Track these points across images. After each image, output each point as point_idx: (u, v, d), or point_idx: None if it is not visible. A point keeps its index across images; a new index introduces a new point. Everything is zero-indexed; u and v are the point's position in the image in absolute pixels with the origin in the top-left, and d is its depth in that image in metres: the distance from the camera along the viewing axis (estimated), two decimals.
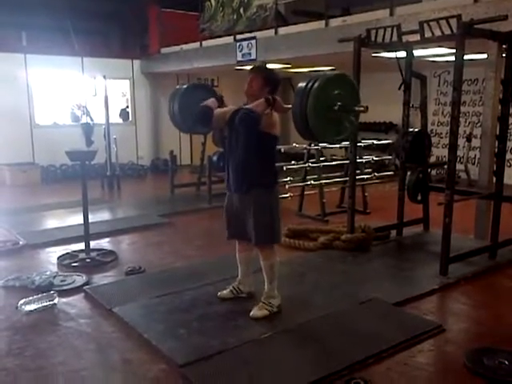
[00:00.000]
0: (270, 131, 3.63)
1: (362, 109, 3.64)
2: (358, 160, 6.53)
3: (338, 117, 3.62)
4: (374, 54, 6.74)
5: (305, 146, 7.30)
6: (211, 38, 10.26)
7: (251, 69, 3.81)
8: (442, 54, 7.30)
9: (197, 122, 4.16)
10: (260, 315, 3.76)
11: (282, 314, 3.88)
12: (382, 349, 3.29)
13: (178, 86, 4.46)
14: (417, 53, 6.04)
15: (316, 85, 3.51)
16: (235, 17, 9.55)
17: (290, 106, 3.79)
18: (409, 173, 6.01)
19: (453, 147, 4.59)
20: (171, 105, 4.48)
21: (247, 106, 3.59)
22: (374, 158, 7.90)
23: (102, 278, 4.71)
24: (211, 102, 3.84)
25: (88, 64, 11.15)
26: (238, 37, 9.29)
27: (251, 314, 3.76)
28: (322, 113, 3.53)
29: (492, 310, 4.12)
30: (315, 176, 7.20)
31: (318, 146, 7.22)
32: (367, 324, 3.72)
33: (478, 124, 9.28)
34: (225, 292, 4.12)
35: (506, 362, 3.10)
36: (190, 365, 3.11)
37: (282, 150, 7.31)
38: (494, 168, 5.23)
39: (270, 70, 3.90)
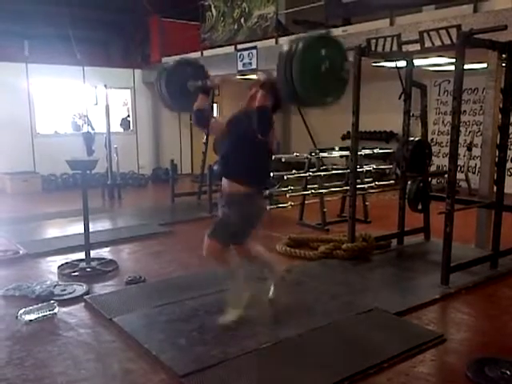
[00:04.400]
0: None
1: (348, 67, 3.51)
2: (359, 169, 6.54)
3: (325, 78, 3.39)
4: (374, 64, 6.78)
5: (305, 155, 7.30)
6: (212, 47, 10.31)
7: (264, 85, 3.57)
8: (442, 63, 7.33)
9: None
10: (224, 320, 3.80)
11: (282, 323, 3.86)
12: (383, 359, 3.27)
13: (164, 64, 4.34)
14: (417, 62, 6.07)
15: (300, 47, 3.27)
16: (236, 27, 9.60)
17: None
18: (409, 182, 6.02)
19: (453, 156, 4.60)
20: (158, 84, 4.34)
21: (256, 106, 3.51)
22: (375, 167, 7.90)
23: (102, 288, 4.69)
24: (200, 100, 3.85)
25: (89, 73, 11.20)
26: (239, 46, 9.34)
27: (269, 295, 4.03)
28: (308, 76, 3.31)
29: (494, 319, 4.10)
30: (316, 185, 7.21)
31: (318, 155, 7.23)
32: (368, 334, 3.70)
33: (479, 133, 9.29)
34: (272, 289, 4.15)
35: (508, 373, 3.08)
36: (191, 375, 3.09)
37: (283, 159, 7.32)
38: (495, 177, 5.23)
39: (274, 82, 3.64)
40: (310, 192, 7.17)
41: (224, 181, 3.78)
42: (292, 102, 3.50)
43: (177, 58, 4.54)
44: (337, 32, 7.63)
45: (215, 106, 12.54)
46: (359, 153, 6.40)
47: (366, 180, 7.65)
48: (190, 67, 4.40)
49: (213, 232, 3.75)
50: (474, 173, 9.51)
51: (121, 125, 12.40)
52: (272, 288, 4.11)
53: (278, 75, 3.33)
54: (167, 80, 4.29)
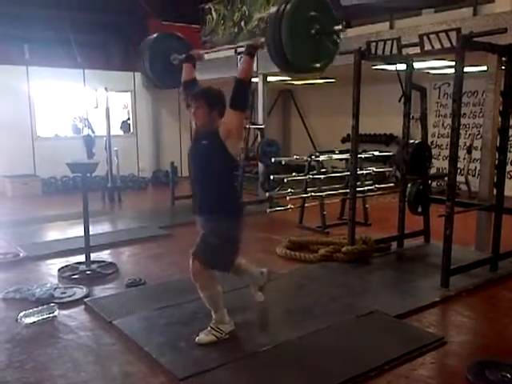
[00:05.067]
0: (233, 151, 3.46)
1: (340, 27, 3.29)
2: (359, 172, 6.54)
3: (316, 41, 3.29)
4: (374, 67, 6.79)
5: (305, 157, 7.31)
6: (212, 50, 10.31)
7: (190, 98, 3.51)
8: (442, 66, 7.34)
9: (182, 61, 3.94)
10: (205, 341, 3.51)
11: (282, 326, 3.87)
12: (383, 362, 3.27)
13: (146, 40, 4.24)
14: (417, 65, 6.08)
15: (288, 9, 3.13)
16: (236, 30, 9.62)
17: None
18: (409, 184, 6.02)
19: (453, 159, 4.60)
20: (142, 62, 4.23)
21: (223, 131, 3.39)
22: (375, 170, 7.90)
23: (102, 291, 4.70)
24: (185, 70, 3.82)
25: (89, 76, 11.21)
26: (239, 50, 9.34)
27: (197, 339, 3.52)
28: (298, 39, 3.19)
29: (494, 322, 4.10)
30: (316, 188, 7.21)
31: (318, 157, 7.23)
32: (368, 337, 3.70)
33: (479, 136, 9.30)
34: (259, 294, 4.07)
35: (509, 375, 3.08)
36: (190, 378, 3.09)
37: (283, 162, 7.33)
38: (495, 180, 5.24)
39: (208, 90, 3.55)
40: (309, 195, 7.18)
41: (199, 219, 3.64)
42: (281, 67, 3.37)
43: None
44: None
45: None
46: (359, 155, 6.41)
47: (366, 183, 7.66)
48: (171, 41, 4.29)
49: (195, 250, 3.57)
50: (473, 175, 9.51)
51: (121, 128, 12.41)
52: (258, 292, 4.04)
53: (267, 38, 3.23)
54: (150, 56, 4.15)
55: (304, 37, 3.18)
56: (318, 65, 3.34)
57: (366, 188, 7.51)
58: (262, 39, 3.34)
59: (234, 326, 3.68)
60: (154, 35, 4.25)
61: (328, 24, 3.28)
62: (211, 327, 3.60)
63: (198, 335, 3.57)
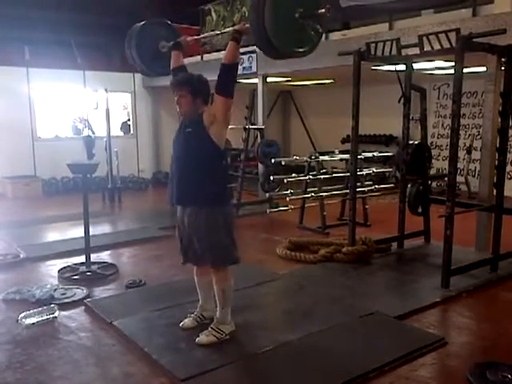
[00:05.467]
0: (216, 139, 3.41)
1: (324, 11, 3.20)
2: (359, 172, 6.54)
3: (300, 25, 3.22)
4: (373, 68, 6.79)
5: (305, 158, 7.32)
6: (212, 51, 10.32)
7: (173, 86, 3.50)
8: (442, 67, 7.35)
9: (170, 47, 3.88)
10: (206, 342, 3.49)
11: (282, 327, 3.87)
12: (384, 363, 3.27)
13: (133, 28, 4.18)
14: (416, 66, 6.08)
15: None
16: None
17: None
18: (409, 185, 6.02)
19: (453, 159, 4.61)
20: (129, 50, 4.15)
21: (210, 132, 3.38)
22: (375, 171, 7.90)
23: (102, 291, 4.70)
24: (174, 57, 3.79)
25: (90, 77, 11.22)
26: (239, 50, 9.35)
27: (197, 340, 3.51)
28: (282, 23, 3.13)
29: (494, 323, 4.09)
30: (316, 188, 7.21)
31: (318, 158, 7.24)
32: (368, 337, 3.70)
33: (478, 136, 9.31)
34: (187, 321, 3.79)
35: (510, 376, 3.07)
36: (191, 379, 3.09)
37: (283, 163, 7.33)
38: (495, 180, 5.24)
39: (191, 77, 3.52)
40: (309, 195, 7.18)
41: (180, 208, 3.55)
42: (264, 51, 3.30)
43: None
44: (336, 36, 7.66)
45: None
46: (359, 156, 6.41)
47: (366, 183, 7.66)
48: (159, 28, 4.25)
49: (234, 257, 3.56)
50: (473, 176, 9.52)
51: (121, 129, 12.42)
52: (209, 337, 3.55)
53: (250, 22, 3.18)
54: (137, 44, 4.08)
55: (288, 21, 3.12)
56: (301, 49, 3.28)
57: (366, 189, 7.51)
58: (247, 24, 3.28)
59: (234, 326, 3.67)
60: (142, 23, 4.17)
61: (312, 7, 3.22)
62: (212, 328, 3.59)
63: (198, 336, 3.56)
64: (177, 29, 4.31)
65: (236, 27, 3.40)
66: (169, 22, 4.31)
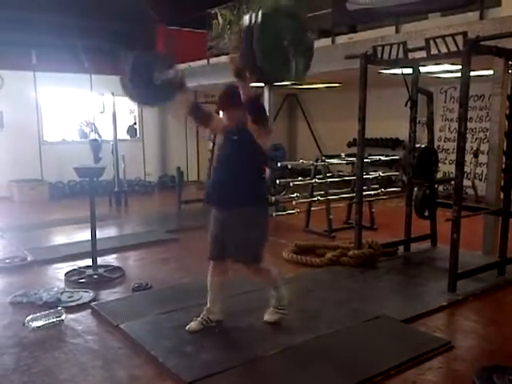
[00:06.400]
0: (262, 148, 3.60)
1: (313, 36, 3.27)
2: (365, 176, 6.53)
3: (289, 52, 3.23)
4: (380, 71, 6.78)
5: (311, 161, 7.31)
6: (218, 55, 10.35)
7: (220, 106, 3.73)
8: (449, 70, 7.33)
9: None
10: (274, 320, 3.85)
11: (289, 330, 3.86)
12: (390, 366, 3.26)
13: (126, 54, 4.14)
14: (423, 69, 6.07)
15: (258, 21, 3.10)
16: None
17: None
18: (416, 189, 6.00)
19: (460, 163, 4.59)
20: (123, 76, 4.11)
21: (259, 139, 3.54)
22: (381, 174, 7.89)
23: (109, 295, 4.71)
24: (184, 101, 3.90)
25: (96, 81, 11.26)
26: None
27: (266, 318, 3.87)
28: (270, 52, 3.13)
29: (501, 326, 4.07)
30: (322, 192, 7.20)
31: (324, 161, 7.23)
32: (375, 341, 3.69)
33: (485, 140, 9.27)
34: (193, 324, 3.81)
35: None
36: (197, 382, 3.09)
37: (289, 166, 7.33)
38: (502, 184, 5.22)
39: (230, 93, 3.64)
40: (316, 199, 7.17)
41: (221, 209, 3.68)
42: (256, 76, 3.30)
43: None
44: (343, 39, 7.67)
45: (221, 113, 12.56)
46: (365, 160, 6.40)
47: (373, 187, 7.64)
48: (154, 57, 4.28)
49: (246, 258, 3.70)
50: (480, 180, 9.47)
51: (127, 132, 12.45)
52: (274, 316, 3.92)
53: (242, 48, 3.20)
54: (132, 72, 4.02)
55: (276, 50, 3.14)
56: (293, 75, 3.30)
57: (373, 192, 7.49)
58: (237, 57, 3.30)
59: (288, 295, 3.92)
60: (132, 56, 4.14)
61: (300, 33, 3.24)
62: (274, 307, 3.87)
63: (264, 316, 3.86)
64: (168, 54, 4.27)
65: (232, 67, 3.37)
66: (159, 52, 4.28)
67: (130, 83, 4.03)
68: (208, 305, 3.88)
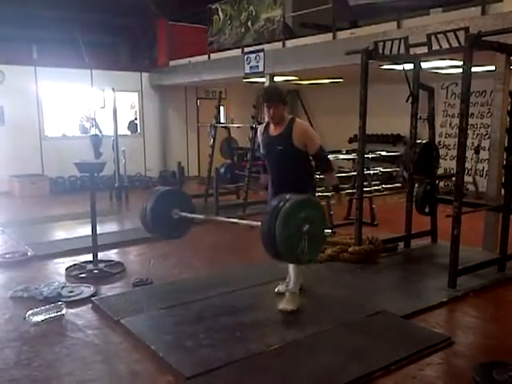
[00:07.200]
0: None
1: (329, 233, 3.64)
2: (366, 172, 6.53)
3: (305, 238, 3.45)
4: (381, 67, 6.77)
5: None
6: (219, 50, 10.34)
7: (267, 100, 4.00)
8: (450, 66, 7.31)
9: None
10: (290, 308, 4.03)
11: (289, 326, 3.86)
12: (390, 362, 3.27)
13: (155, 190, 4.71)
14: (424, 65, 6.05)
15: (286, 206, 3.40)
16: (243, 30, 9.62)
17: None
18: (416, 185, 6.00)
19: (461, 159, 4.59)
20: (144, 206, 4.50)
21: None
22: (382, 170, 7.88)
23: (109, 290, 4.71)
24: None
25: (97, 76, 11.26)
26: (246, 49, 9.36)
27: (281, 307, 4.05)
28: (290, 238, 3.39)
29: (501, 323, 4.08)
30: (322, 188, 7.19)
31: None
32: (375, 337, 3.69)
33: (486, 136, 9.25)
34: (280, 287, 4.36)
35: None
36: (197, 377, 3.09)
37: None
38: (503, 180, 5.21)
39: (277, 89, 4.15)
40: (316, 195, 7.14)
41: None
42: (270, 254, 3.58)
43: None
44: (344, 35, 7.65)
45: (222, 109, 12.57)
46: (366, 155, 6.39)
47: (373, 183, 7.64)
48: (177, 196, 4.65)
49: None
50: (481, 176, 9.46)
51: (128, 128, 12.45)
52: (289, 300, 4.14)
53: (263, 226, 3.48)
54: (154, 204, 4.41)
55: (295, 233, 3.38)
56: (305, 257, 3.48)
57: (373, 188, 7.49)
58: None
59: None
60: (157, 193, 4.54)
61: (318, 227, 3.49)
62: (291, 293, 4.11)
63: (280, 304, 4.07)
64: (188, 196, 4.77)
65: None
66: (187, 195, 4.81)
67: (151, 221, 4.43)
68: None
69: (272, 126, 4.12)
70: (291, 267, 4.12)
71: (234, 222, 4.50)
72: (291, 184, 3.93)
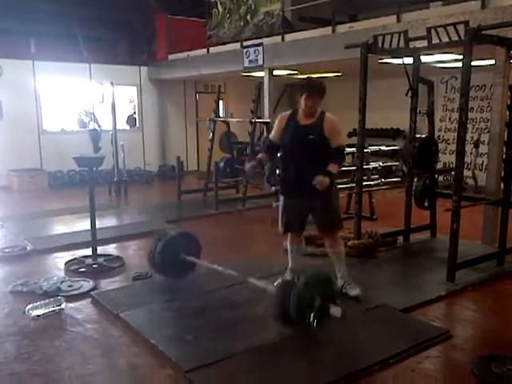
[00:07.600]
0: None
1: (338, 315, 3.43)
2: (365, 166, 6.52)
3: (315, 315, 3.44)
4: (380, 61, 6.75)
5: None
6: (218, 44, 10.31)
7: (311, 91, 4.14)
8: (450, 59, 7.30)
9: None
10: (356, 294, 4.21)
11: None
12: (389, 355, 3.27)
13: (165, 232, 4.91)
14: (424, 59, 6.04)
15: (298, 287, 3.43)
16: (242, 23, 9.60)
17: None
18: (416, 179, 6.00)
19: (460, 153, 4.58)
20: (154, 247, 4.61)
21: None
22: (381, 164, 7.87)
23: (108, 284, 4.72)
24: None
25: (96, 70, 11.23)
26: (245, 43, 9.34)
27: (353, 294, 4.20)
28: (301, 306, 3.39)
29: (500, 316, 4.09)
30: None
31: None
32: (374, 330, 3.70)
33: (486, 130, 9.25)
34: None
35: None
36: (197, 370, 3.10)
37: None
38: (502, 174, 5.21)
39: (321, 83, 4.31)
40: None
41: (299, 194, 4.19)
42: (281, 319, 3.55)
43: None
44: (343, 29, 7.63)
45: (221, 103, 12.54)
46: (365, 150, 6.39)
47: (373, 177, 7.63)
48: (186, 239, 4.75)
49: (333, 227, 4.30)
50: (480, 170, 9.47)
51: (127, 122, 12.43)
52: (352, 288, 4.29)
53: (276, 297, 3.49)
54: (164, 246, 4.53)
55: (307, 305, 3.39)
56: (311, 327, 3.45)
57: (373, 182, 7.48)
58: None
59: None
60: (168, 235, 4.68)
61: (328, 300, 3.45)
62: (345, 285, 4.27)
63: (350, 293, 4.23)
64: (198, 240, 4.83)
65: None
66: (196, 237, 4.84)
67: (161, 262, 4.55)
68: (290, 265, 4.53)
69: (302, 116, 4.20)
70: (332, 254, 4.38)
71: (247, 281, 4.19)
72: (315, 170, 3.99)
